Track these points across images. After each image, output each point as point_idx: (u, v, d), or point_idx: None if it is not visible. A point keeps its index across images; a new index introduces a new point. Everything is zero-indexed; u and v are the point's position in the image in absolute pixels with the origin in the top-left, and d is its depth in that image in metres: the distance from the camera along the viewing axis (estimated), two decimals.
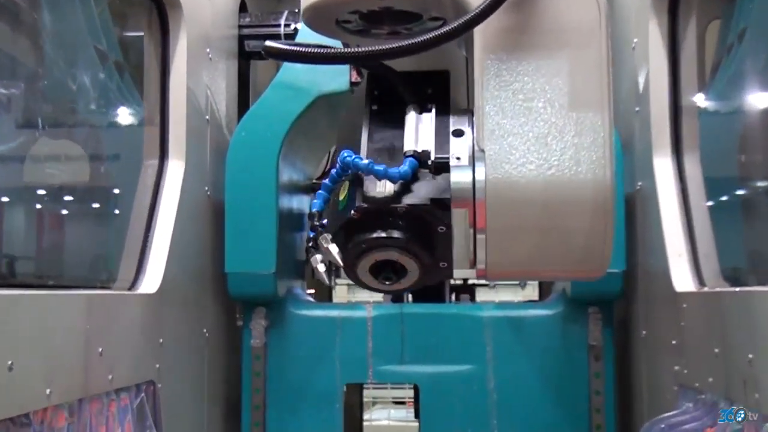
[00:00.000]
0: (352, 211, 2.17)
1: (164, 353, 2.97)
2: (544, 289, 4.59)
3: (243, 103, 4.04)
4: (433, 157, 2.17)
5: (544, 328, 3.59)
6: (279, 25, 4.02)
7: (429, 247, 2.17)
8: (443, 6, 2.16)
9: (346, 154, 2.25)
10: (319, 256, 2.59)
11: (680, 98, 3.17)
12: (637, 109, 3.36)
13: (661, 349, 3.12)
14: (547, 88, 1.98)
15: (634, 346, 3.47)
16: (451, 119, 2.27)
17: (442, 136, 2.24)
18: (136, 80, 3.32)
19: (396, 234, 2.14)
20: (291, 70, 3.56)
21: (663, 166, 3.17)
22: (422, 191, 2.16)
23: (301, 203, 4.09)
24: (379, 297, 4.54)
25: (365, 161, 2.19)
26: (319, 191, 2.42)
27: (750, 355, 2.15)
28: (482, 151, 1.99)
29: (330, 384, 3.64)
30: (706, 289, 2.81)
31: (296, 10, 3.94)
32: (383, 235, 2.15)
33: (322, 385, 3.64)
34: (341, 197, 2.30)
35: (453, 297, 4.33)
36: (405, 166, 2.16)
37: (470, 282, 4.07)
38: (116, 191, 3.43)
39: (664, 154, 3.18)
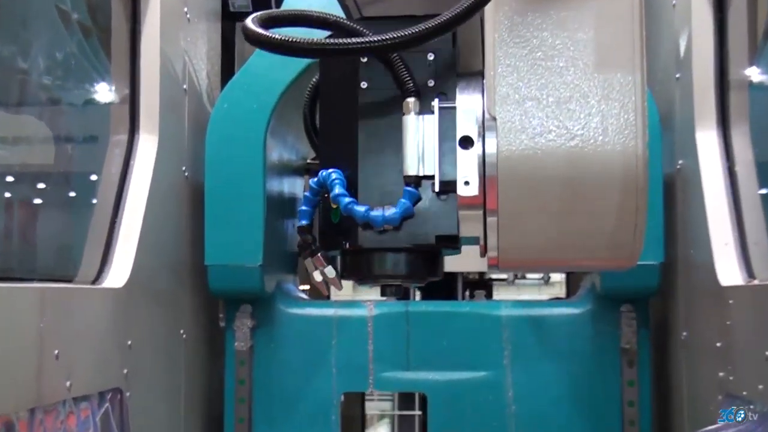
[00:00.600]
0: (347, 245, 2.32)
1: (133, 357, 2.91)
2: (572, 286, 4.52)
3: (227, 71, 3.99)
4: (437, 186, 2.24)
5: (571, 329, 3.53)
6: None
7: (435, 263, 2.39)
8: None
9: (325, 174, 2.40)
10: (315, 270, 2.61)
11: (727, 63, 3.10)
12: (677, 75, 3.28)
13: (704, 353, 3.05)
14: (570, 44, 1.92)
15: (672, 350, 3.41)
16: (459, 116, 2.20)
17: (447, 142, 2.23)
18: (103, 43, 3.26)
19: (400, 269, 2.36)
20: (281, 31, 3.49)
21: (707, 142, 3.10)
22: (427, 224, 2.27)
23: (294, 186, 4.04)
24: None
25: (346, 199, 2.32)
26: (302, 208, 2.53)
27: None
28: (494, 119, 1.92)
29: (325, 393, 3.59)
30: (756, 282, 2.74)
31: None
32: (385, 272, 2.35)
33: (316, 394, 3.59)
34: (335, 206, 2.39)
35: (467, 294, 4.26)
36: (395, 211, 2.28)
37: (487, 277, 4.00)
38: (77, 170, 3.37)
39: (709, 127, 3.12)
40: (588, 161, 1.89)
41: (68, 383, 2.43)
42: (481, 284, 4.00)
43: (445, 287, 3.84)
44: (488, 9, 1.99)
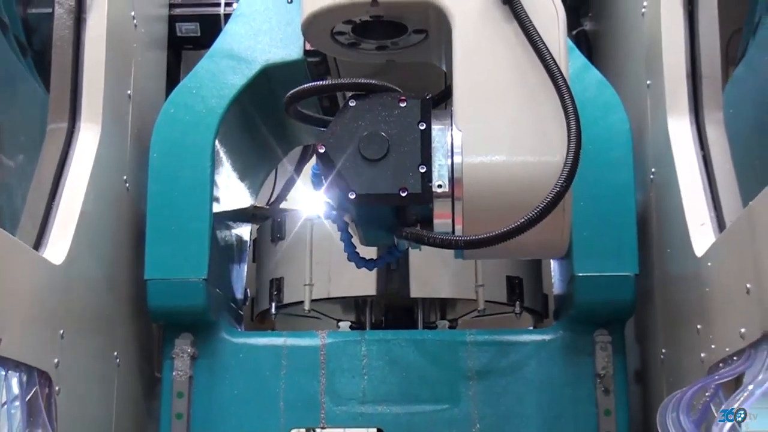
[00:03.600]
0: None
1: (65, 352, 2.86)
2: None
3: None
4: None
5: (542, 357, 3.53)
6: (218, 5, 4.11)
7: None
8: (427, 18, 2.70)
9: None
10: None
11: (699, 63, 3.25)
12: (648, 83, 3.44)
13: (687, 372, 3.06)
14: (514, 70, 2.56)
15: (652, 372, 3.42)
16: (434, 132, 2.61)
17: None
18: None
19: None
20: (231, 36, 3.62)
21: (683, 149, 3.21)
22: None
23: (242, 232, 4.06)
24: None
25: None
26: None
27: None
28: (459, 129, 2.55)
29: (272, 430, 3.51)
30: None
31: None
32: None
33: (262, 431, 3.51)
34: None
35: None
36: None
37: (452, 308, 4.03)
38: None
39: (686, 140, 3.23)
40: (527, 171, 2.51)
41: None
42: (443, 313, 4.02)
43: (403, 314, 3.84)
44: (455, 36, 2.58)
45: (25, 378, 2.61)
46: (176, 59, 4.24)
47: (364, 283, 3.87)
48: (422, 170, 2.53)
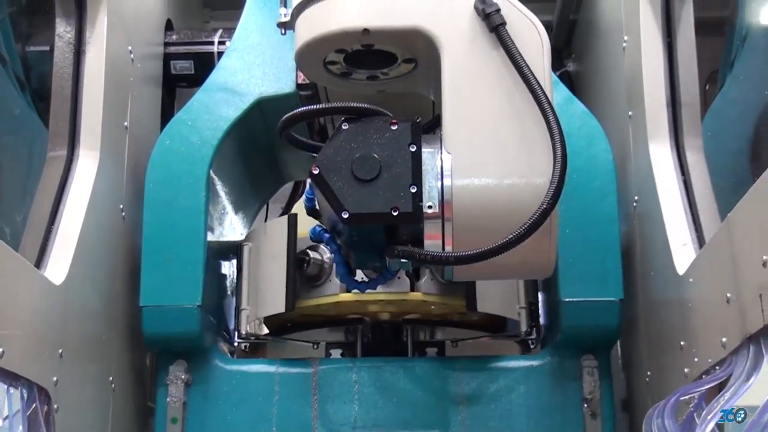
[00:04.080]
0: None
1: (63, 371, 2.92)
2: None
3: None
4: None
5: (530, 383, 3.60)
6: (212, 43, 4.21)
7: None
8: (416, 47, 2.80)
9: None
10: None
11: (678, 92, 3.37)
12: (630, 113, 3.55)
13: (671, 389, 3.13)
14: (502, 95, 2.66)
15: (638, 397, 3.49)
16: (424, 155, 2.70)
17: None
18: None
19: None
20: (226, 70, 3.72)
21: (664, 174, 3.32)
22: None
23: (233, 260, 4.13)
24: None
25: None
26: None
27: None
28: (449, 152, 2.65)
29: None
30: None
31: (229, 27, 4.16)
32: None
33: None
34: None
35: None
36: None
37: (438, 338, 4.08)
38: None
39: (666, 165, 3.34)
40: (514, 193, 2.60)
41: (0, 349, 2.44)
42: (432, 343, 4.05)
43: (393, 343, 3.89)
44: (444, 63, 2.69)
45: (26, 393, 2.67)
46: (170, 97, 4.33)
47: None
48: (413, 190, 2.61)
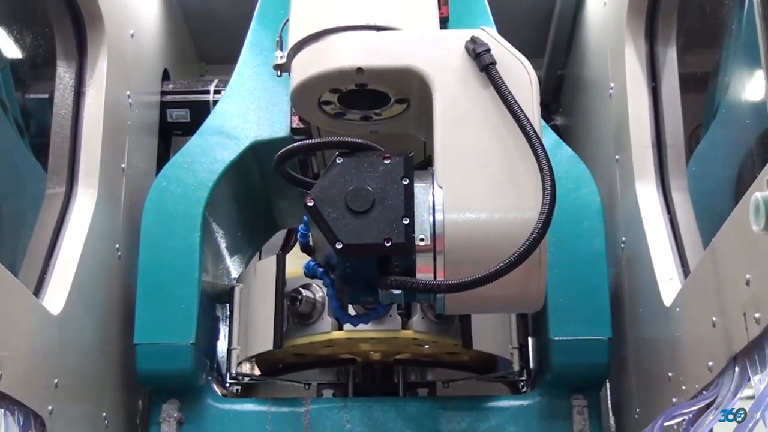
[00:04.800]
0: None
1: (58, 402, 2.95)
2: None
3: None
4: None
5: (520, 421, 3.63)
6: (208, 92, 4.30)
7: None
8: (408, 86, 2.88)
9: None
10: None
11: (664, 136, 3.47)
12: (617, 157, 3.64)
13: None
14: (492, 132, 2.74)
15: None
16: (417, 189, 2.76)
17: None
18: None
19: None
20: (222, 114, 3.81)
21: (651, 213, 3.40)
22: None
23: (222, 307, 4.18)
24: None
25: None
26: None
27: None
28: (440, 187, 2.72)
29: None
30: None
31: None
32: None
33: None
34: None
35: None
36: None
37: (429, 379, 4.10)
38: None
39: (653, 204, 3.43)
40: (504, 226, 2.65)
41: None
42: (423, 384, 4.07)
43: (384, 383, 3.92)
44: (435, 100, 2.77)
45: (22, 419, 2.70)
46: (166, 145, 4.41)
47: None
48: (406, 222, 2.67)
